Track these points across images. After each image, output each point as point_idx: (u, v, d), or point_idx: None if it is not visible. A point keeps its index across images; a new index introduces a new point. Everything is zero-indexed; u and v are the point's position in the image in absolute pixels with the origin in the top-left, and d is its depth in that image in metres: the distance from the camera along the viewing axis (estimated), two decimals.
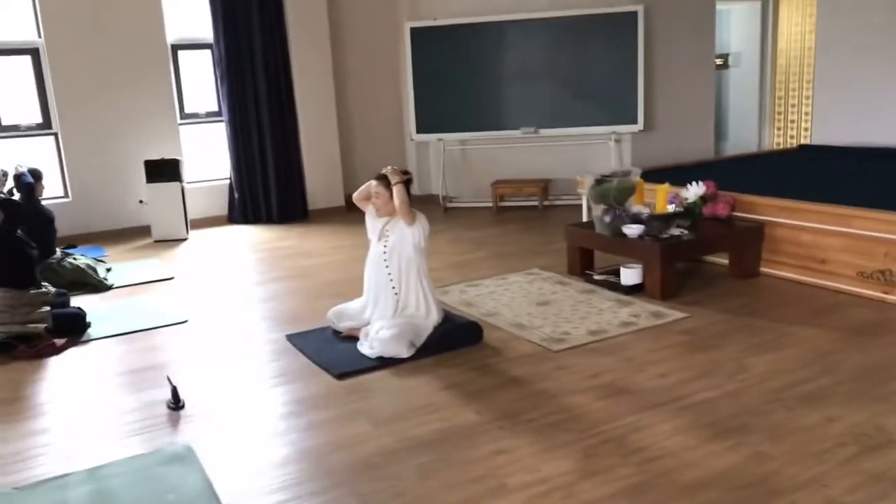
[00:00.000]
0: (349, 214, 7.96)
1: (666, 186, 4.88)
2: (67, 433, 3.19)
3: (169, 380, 3.44)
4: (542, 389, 3.36)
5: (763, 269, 4.90)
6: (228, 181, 7.80)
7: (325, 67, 7.88)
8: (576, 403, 3.19)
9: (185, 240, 7.04)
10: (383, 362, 3.71)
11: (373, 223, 4.10)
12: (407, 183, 3.92)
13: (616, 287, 4.73)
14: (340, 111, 8.11)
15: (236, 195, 7.76)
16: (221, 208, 7.83)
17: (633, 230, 4.67)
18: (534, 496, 2.50)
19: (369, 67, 8.37)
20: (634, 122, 7.40)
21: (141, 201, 7.19)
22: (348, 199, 8.21)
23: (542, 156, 7.69)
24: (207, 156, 7.79)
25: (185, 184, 7.13)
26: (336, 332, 4.14)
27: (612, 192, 4.71)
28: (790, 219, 4.73)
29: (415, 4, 8.18)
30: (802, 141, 8.48)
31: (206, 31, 7.54)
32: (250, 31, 7.47)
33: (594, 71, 7.37)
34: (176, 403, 3.34)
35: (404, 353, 3.75)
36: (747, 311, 4.28)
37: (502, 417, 3.09)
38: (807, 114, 8.50)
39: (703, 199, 4.96)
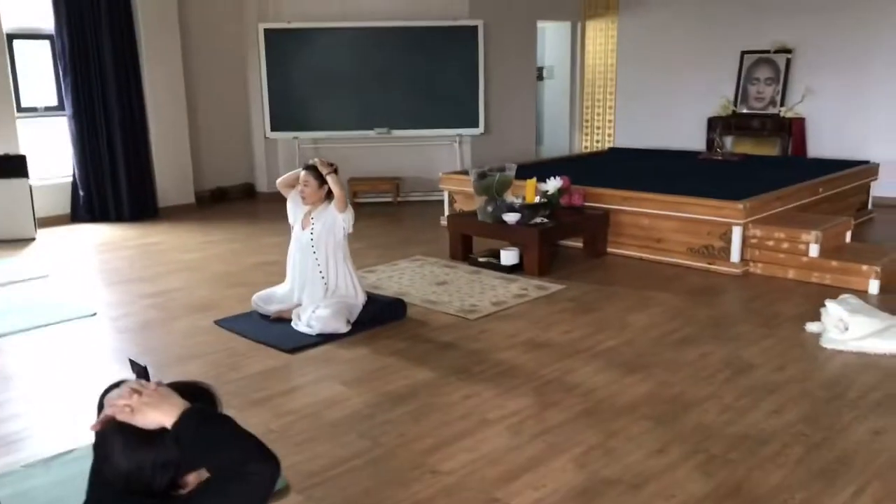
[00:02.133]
0: (201, 211, 7.99)
1: (533, 181, 5.65)
2: (42, 418, 3.24)
3: (133, 362, 3.55)
4: (476, 349, 3.94)
5: (610, 250, 5.84)
6: (72, 178, 7.50)
7: (175, 63, 7.83)
8: (509, 357, 3.81)
9: (33, 239, 6.72)
10: (324, 338, 4.07)
11: (295, 210, 4.40)
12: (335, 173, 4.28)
13: (497, 267, 5.42)
14: (189, 109, 8.09)
15: (81, 193, 7.49)
16: (63, 207, 7.50)
17: (511, 217, 5.39)
18: (513, 424, 3.08)
19: (217, 66, 8.42)
20: (476, 125, 8.20)
21: None
22: (199, 196, 8.28)
23: (393, 155, 8.23)
24: (44, 152, 7.43)
25: (31, 181, 6.80)
26: (264, 316, 4.41)
27: (495, 185, 5.39)
28: (632, 206, 5.71)
29: (264, 6, 8.36)
30: (607, 144, 9.80)
31: (45, 21, 7.21)
32: (96, 23, 7.26)
33: (441, 78, 8.06)
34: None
35: (343, 328, 4.14)
36: (609, 281, 5.16)
37: (455, 372, 3.63)
38: (610, 121, 9.83)
39: (560, 191, 5.80)
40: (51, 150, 7.48)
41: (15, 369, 3.81)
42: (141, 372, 3.53)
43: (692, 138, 8.89)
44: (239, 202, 8.58)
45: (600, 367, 3.65)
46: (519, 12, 8.81)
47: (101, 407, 1.61)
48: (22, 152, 6.85)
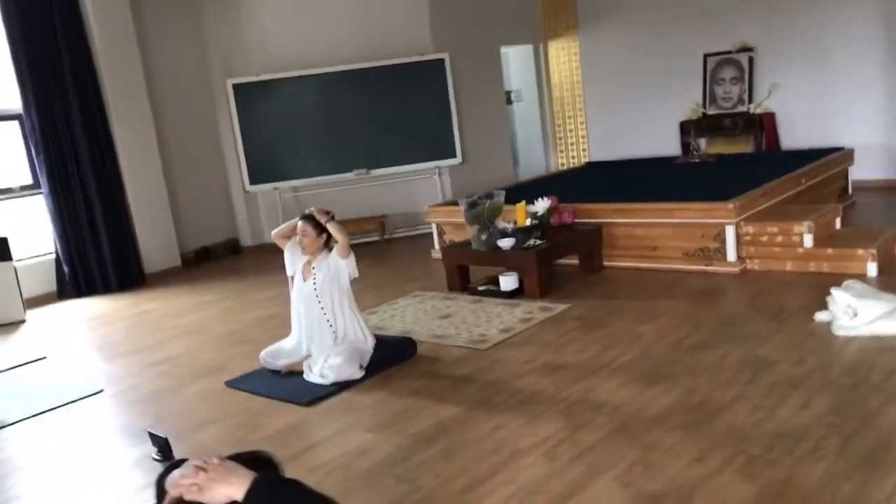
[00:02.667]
0: (188, 273, 7.92)
1: (523, 204, 5.68)
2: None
3: (152, 434, 3.50)
4: (493, 379, 3.91)
5: (606, 263, 5.86)
6: (55, 255, 7.40)
7: (147, 127, 7.80)
8: (528, 384, 3.79)
9: (23, 321, 6.61)
10: (339, 386, 4.03)
11: (293, 261, 4.37)
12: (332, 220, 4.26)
13: (497, 294, 5.41)
14: (165, 171, 8.04)
15: (66, 269, 7.39)
16: (49, 285, 7.39)
17: (506, 243, 5.40)
18: (547, 450, 3.05)
19: (188, 125, 8.41)
20: (454, 156, 8.24)
21: None
22: (185, 258, 8.21)
23: (374, 194, 8.24)
24: (24, 231, 7.33)
25: (16, 262, 6.70)
26: (274, 372, 4.36)
27: (486, 212, 5.41)
28: (624, 218, 5.75)
29: (228, 61, 8.39)
30: (583, 160, 9.89)
31: (12, 102, 7.17)
32: (63, 97, 7.23)
33: (413, 113, 8.11)
34: (165, 455, 3.42)
35: (357, 374, 4.11)
36: (612, 295, 5.17)
37: (477, 405, 3.60)
38: (583, 136, 9.94)
39: (550, 210, 5.83)
40: (30, 229, 7.39)
41: (24, 460, 3.71)
42: (162, 443, 3.48)
43: (666, 144, 9.01)
44: (224, 259, 8.52)
45: (622, 383, 3.64)
46: (481, 41, 8.91)
47: (160, 490, 1.57)
48: (2, 234, 6.76)
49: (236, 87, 7.93)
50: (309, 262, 4.29)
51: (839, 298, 4.02)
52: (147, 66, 7.90)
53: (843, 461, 2.70)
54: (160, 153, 7.96)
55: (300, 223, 4.24)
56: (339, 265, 4.17)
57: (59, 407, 4.31)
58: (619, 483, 2.74)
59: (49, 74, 7.14)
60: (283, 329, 5.22)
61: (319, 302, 4.23)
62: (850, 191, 7.29)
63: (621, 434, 3.11)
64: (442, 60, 8.08)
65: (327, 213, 4.26)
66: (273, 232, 4.47)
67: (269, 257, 8.21)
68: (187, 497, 1.35)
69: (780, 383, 3.40)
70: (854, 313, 3.93)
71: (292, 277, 4.39)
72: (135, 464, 3.44)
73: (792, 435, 2.92)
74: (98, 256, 7.44)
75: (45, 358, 5.39)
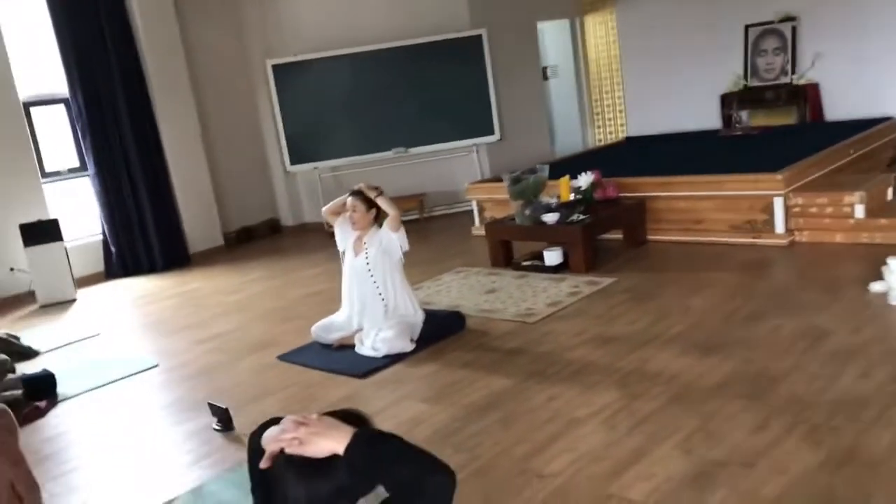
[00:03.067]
0: (231, 253, 8.02)
1: (566, 178, 5.65)
2: (131, 474, 3.25)
3: (212, 405, 3.57)
4: (545, 352, 3.92)
5: (650, 237, 5.82)
6: (102, 236, 7.55)
7: (189, 110, 7.89)
8: (580, 355, 3.80)
9: (74, 300, 6.75)
10: (391, 359, 4.07)
11: (344, 236, 4.41)
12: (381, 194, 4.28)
13: (542, 269, 5.41)
14: (207, 153, 8.13)
15: (113, 249, 7.53)
16: (96, 265, 7.54)
17: (551, 217, 5.39)
18: (605, 419, 3.07)
19: (229, 107, 8.49)
20: (492, 133, 8.21)
21: (12, 269, 6.80)
22: (227, 238, 8.31)
23: (413, 172, 8.24)
24: (72, 212, 7.48)
25: (66, 243, 6.85)
26: (325, 346, 4.41)
27: (530, 187, 5.40)
28: (668, 191, 5.70)
29: (267, 42, 8.44)
30: (620, 135, 9.79)
31: (58, 86, 7.29)
32: (109, 82, 7.33)
33: (451, 90, 8.08)
34: (226, 425, 3.50)
35: (409, 347, 4.15)
36: (658, 268, 5.14)
37: (531, 376, 3.62)
38: (620, 111, 9.83)
39: (593, 185, 5.80)
40: (78, 211, 7.53)
41: (83, 433, 3.81)
42: (222, 414, 3.55)
43: (707, 117, 8.87)
44: (265, 239, 8.61)
45: (676, 353, 3.63)
46: (518, 16, 8.83)
47: (252, 449, 1.62)
48: (52, 216, 6.90)
49: (276, 67, 7.96)
50: (360, 238, 4.32)
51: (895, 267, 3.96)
52: (188, 50, 7.97)
53: None
54: (202, 135, 8.04)
55: (350, 199, 4.27)
56: (392, 238, 4.20)
57: (115, 381, 4.42)
58: (680, 450, 2.74)
59: (94, 59, 7.24)
60: (331, 304, 5.28)
61: (372, 276, 4.27)
62: None
63: (679, 403, 3.11)
64: (479, 37, 8.03)
65: (376, 188, 4.28)
66: (323, 209, 4.50)
67: (310, 237, 8.32)
68: (288, 450, 1.38)
69: (839, 353, 3.37)
70: None
71: (343, 252, 4.43)
72: (192, 434, 3.52)
73: (855, 403, 2.90)
74: (144, 237, 7.57)
75: (98, 335, 5.51)
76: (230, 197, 8.51)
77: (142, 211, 7.56)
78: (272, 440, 1.44)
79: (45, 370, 4.42)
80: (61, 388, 4.34)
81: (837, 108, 8.01)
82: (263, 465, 1.43)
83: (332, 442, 1.36)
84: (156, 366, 4.60)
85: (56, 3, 7.03)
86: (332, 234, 7.61)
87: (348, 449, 1.35)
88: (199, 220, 7.98)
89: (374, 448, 1.36)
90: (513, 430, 3.09)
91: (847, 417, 2.80)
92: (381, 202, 4.19)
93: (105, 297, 6.79)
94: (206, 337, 5.04)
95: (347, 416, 1.48)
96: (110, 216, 7.47)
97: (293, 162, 8.17)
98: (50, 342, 5.41)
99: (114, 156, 7.42)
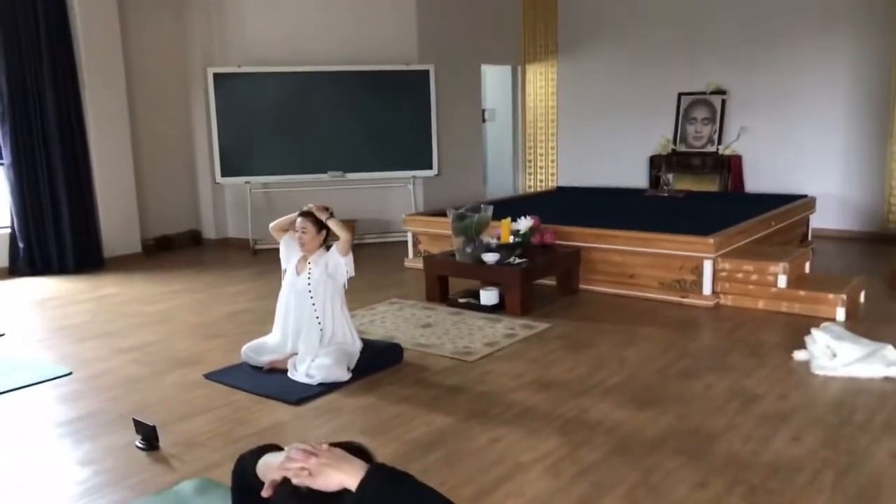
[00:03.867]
0: (148, 260, 7.70)
1: (508, 220, 5.72)
2: (38, 491, 3.02)
3: (137, 421, 3.37)
4: (485, 392, 3.91)
5: (582, 286, 5.94)
6: (10, 230, 7.09)
7: (120, 109, 7.58)
8: (521, 398, 3.80)
9: None
10: (326, 387, 3.96)
11: (289, 255, 4.31)
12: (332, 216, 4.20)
13: (477, 308, 5.42)
14: (134, 155, 7.82)
15: (21, 244, 7.09)
16: (1, 259, 7.08)
17: (491, 257, 5.43)
18: (549, 466, 3.07)
19: (161, 110, 8.23)
20: (430, 167, 8.24)
21: None
22: (146, 245, 7.97)
23: (347, 197, 8.15)
24: None
25: None
26: (255, 367, 4.26)
27: (474, 225, 5.43)
28: (604, 243, 5.84)
29: (209, 51, 8.24)
30: (550, 184, 10.02)
31: None
32: (38, 69, 6.97)
33: (393, 121, 8.09)
34: (150, 444, 3.30)
35: (345, 376, 4.05)
36: (591, 317, 5.24)
37: (472, 416, 3.59)
38: (552, 161, 10.08)
39: (532, 230, 5.88)
40: None
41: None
42: (148, 431, 3.37)
43: (634, 176, 9.22)
44: (185, 250, 8.32)
45: (615, 404, 3.69)
46: (464, 57, 8.98)
47: (242, 473, 1.53)
48: None
49: (217, 76, 7.77)
50: (305, 257, 4.23)
51: (819, 339, 4.17)
52: (126, 47, 7.69)
53: (840, 495, 2.79)
54: (131, 136, 7.73)
55: (299, 220, 4.18)
56: (339, 262, 4.13)
57: (22, 388, 4.12)
58: (626, 503, 2.77)
59: (25, 44, 6.88)
60: (257, 325, 5.16)
61: (312, 298, 4.17)
62: (809, 237, 7.58)
63: (621, 455, 3.15)
64: (427, 71, 8.09)
65: (326, 209, 4.21)
66: (271, 225, 4.39)
67: (232, 252, 8.10)
68: (295, 481, 1.31)
69: (770, 416, 3.50)
70: (833, 354, 4.08)
71: (285, 271, 4.31)
72: (112, 451, 3.31)
73: (789, 466, 3.01)
74: (57, 234, 7.17)
75: (2, 335, 5.14)
76: (152, 203, 8.20)
77: (57, 207, 7.17)
78: (276, 468, 1.36)
79: None
80: None
81: (757, 180, 8.47)
82: (265, 493, 1.36)
83: (343, 475, 1.30)
84: (69, 374, 4.32)
85: None
86: (256, 252, 7.49)
87: (362, 485, 1.29)
88: (117, 223, 7.63)
89: (390, 487, 1.30)
90: (458, 471, 3.05)
91: (783, 480, 2.90)
92: (332, 225, 4.12)
93: (9, 294, 6.36)
94: (126, 347, 4.78)
95: (351, 449, 1.42)
96: (21, 209, 7.05)
97: (224, 174, 7.95)
98: None
99: (34, 146, 7.03)
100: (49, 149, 7.09)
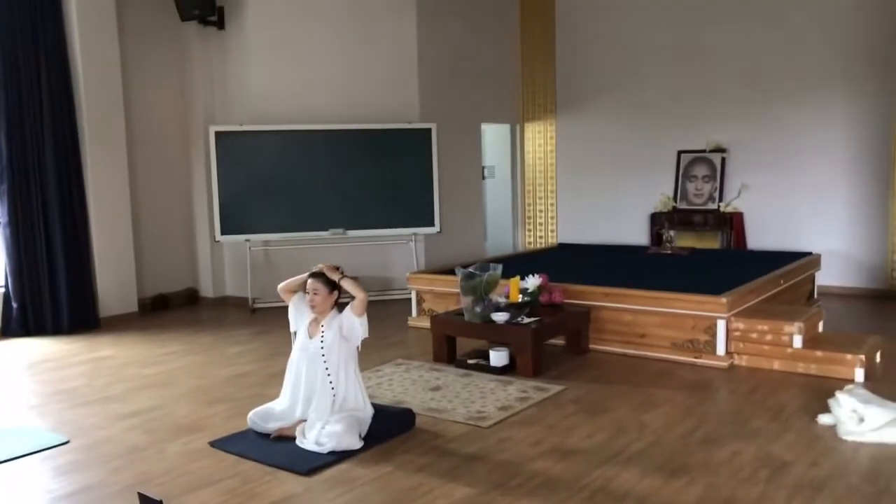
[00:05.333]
0: (145, 320, 7.54)
1: (517, 279, 5.63)
2: None
3: (143, 495, 3.18)
4: (504, 460, 3.76)
5: (591, 346, 5.82)
6: (4, 289, 6.94)
7: (120, 165, 7.51)
8: (542, 468, 3.65)
9: None
10: (337, 456, 3.80)
11: (298, 316, 4.18)
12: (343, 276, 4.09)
13: (487, 369, 5.28)
14: (133, 213, 7.72)
15: (14, 304, 6.92)
16: None
17: (500, 317, 5.31)
18: None
19: (160, 167, 8.19)
20: (432, 224, 8.19)
21: None
22: (142, 304, 7.82)
23: (348, 255, 8.05)
24: None
25: None
26: (262, 435, 4.09)
27: (483, 284, 5.33)
28: (614, 302, 5.75)
29: (210, 109, 8.24)
30: (550, 240, 9.98)
31: None
32: (39, 127, 6.91)
33: (395, 179, 8.05)
34: None
35: (356, 444, 3.89)
36: (604, 380, 5.11)
37: (493, 488, 3.43)
38: (552, 217, 10.05)
39: (540, 288, 5.79)
40: None
41: None
42: None
43: (635, 233, 9.20)
44: (182, 309, 8.17)
45: (640, 473, 3.54)
46: (464, 115, 9.02)
47: None
48: None
49: (219, 134, 7.73)
50: (317, 319, 4.10)
51: (845, 403, 4.06)
52: (128, 104, 7.68)
53: None
54: (130, 193, 7.65)
55: (310, 281, 4.07)
56: (354, 324, 4.00)
57: (16, 458, 3.92)
58: None
59: (26, 100, 6.84)
60: (261, 388, 5.01)
61: (325, 362, 4.02)
62: (815, 295, 7.52)
63: None
64: (429, 130, 8.10)
65: (337, 268, 4.11)
66: (280, 286, 4.26)
67: (230, 311, 7.96)
68: None
69: (803, 486, 3.37)
70: (860, 419, 3.96)
71: (295, 333, 4.18)
72: None
73: None
74: (52, 294, 7.01)
75: None
76: (150, 261, 8.08)
77: (54, 266, 7.03)
78: None
79: None
80: None
81: (760, 237, 8.46)
82: None
83: None
84: (66, 442, 4.13)
85: None
86: (255, 311, 7.36)
87: None
88: (114, 282, 7.49)
89: None
90: None
91: None
92: (346, 285, 4.01)
93: (4, 357, 6.17)
94: (126, 413, 4.60)
95: None
96: (17, 269, 6.91)
97: (224, 232, 7.85)
98: None
99: (32, 204, 6.93)
100: (47, 207, 6.99)
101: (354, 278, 4.13)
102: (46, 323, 6.99)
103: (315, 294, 4.04)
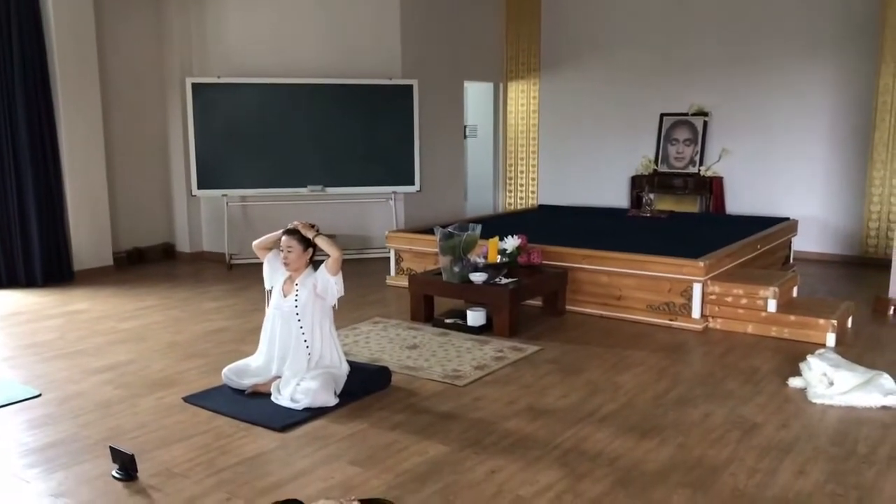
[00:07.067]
0: (120, 274, 7.46)
1: (496, 239, 5.61)
2: None
3: (114, 449, 3.18)
4: (478, 419, 3.78)
5: (568, 307, 5.84)
6: None
7: (94, 116, 7.34)
8: (516, 427, 3.67)
9: None
10: (312, 413, 3.80)
11: (273, 275, 4.14)
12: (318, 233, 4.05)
13: (464, 328, 5.29)
14: (108, 165, 7.58)
15: None
16: None
17: (479, 277, 5.31)
18: (552, 499, 2.94)
19: (136, 119, 8.02)
20: (412, 183, 8.12)
21: None
22: (117, 258, 7.73)
23: (326, 212, 7.99)
24: None
25: None
26: (236, 391, 4.08)
27: (462, 244, 5.30)
28: (592, 264, 5.76)
29: (187, 61, 8.06)
30: (530, 202, 9.96)
31: None
32: (8, 72, 6.72)
33: (376, 136, 7.95)
34: (128, 474, 3.11)
35: (332, 401, 3.89)
36: (580, 340, 5.13)
37: (467, 445, 3.45)
38: (533, 179, 10.02)
39: (519, 249, 5.78)
40: None
41: None
42: (126, 460, 3.18)
43: (615, 195, 9.20)
44: (158, 263, 8.09)
45: (613, 433, 3.58)
46: (447, 73, 8.90)
47: None
48: None
49: (195, 86, 7.57)
50: (291, 278, 4.06)
51: (815, 366, 4.11)
52: (102, 53, 7.49)
53: None
54: (105, 146, 7.49)
55: (284, 237, 4.02)
56: (329, 282, 3.97)
57: None
58: None
59: None
60: (237, 344, 4.99)
61: (299, 320, 4.00)
62: (791, 260, 7.59)
63: (626, 488, 3.03)
64: (411, 86, 7.98)
65: (312, 226, 4.06)
66: (254, 242, 4.21)
67: (207, 267, 7.89)
68: None
69: (772, 447, 3.42)
70: (830, 382, 4.02)
71: (270, 291, 4.14)
72: (87, 481, 3.11)
73: (797, 501, 2.92)
74: (25, 247, 6.90)
75: None
76: (125, 214, 7.97)
77: (26, 218, 6.90)
78: None
79: None
80: None
81: (738, 202, 8.49)
82: None
83: None
84: (38, 395, 4.09)
85: None
86: (231, 267, 7.30)
87: None
88: (89, 235, 7.37)
89: None
90: None
91: None
92: (320, 242, 3.98)
93: None
94: (99, 367, 4.56)
95: None
96: None
97: (201, 186, 7.74)
98: None
99: (2, 154, 6.77)
100: (18, 157, 6.84)
101: (330, 236, 4.10)
102: (19, 275, 6.90)
103: (289, 251, 3.99)
